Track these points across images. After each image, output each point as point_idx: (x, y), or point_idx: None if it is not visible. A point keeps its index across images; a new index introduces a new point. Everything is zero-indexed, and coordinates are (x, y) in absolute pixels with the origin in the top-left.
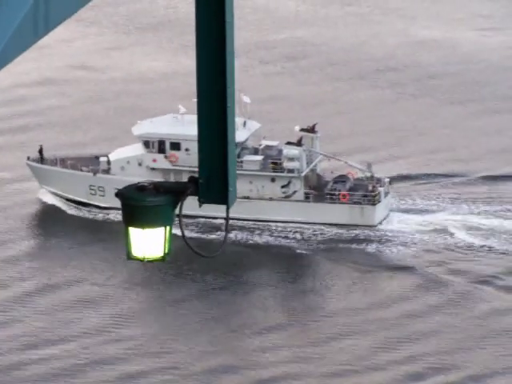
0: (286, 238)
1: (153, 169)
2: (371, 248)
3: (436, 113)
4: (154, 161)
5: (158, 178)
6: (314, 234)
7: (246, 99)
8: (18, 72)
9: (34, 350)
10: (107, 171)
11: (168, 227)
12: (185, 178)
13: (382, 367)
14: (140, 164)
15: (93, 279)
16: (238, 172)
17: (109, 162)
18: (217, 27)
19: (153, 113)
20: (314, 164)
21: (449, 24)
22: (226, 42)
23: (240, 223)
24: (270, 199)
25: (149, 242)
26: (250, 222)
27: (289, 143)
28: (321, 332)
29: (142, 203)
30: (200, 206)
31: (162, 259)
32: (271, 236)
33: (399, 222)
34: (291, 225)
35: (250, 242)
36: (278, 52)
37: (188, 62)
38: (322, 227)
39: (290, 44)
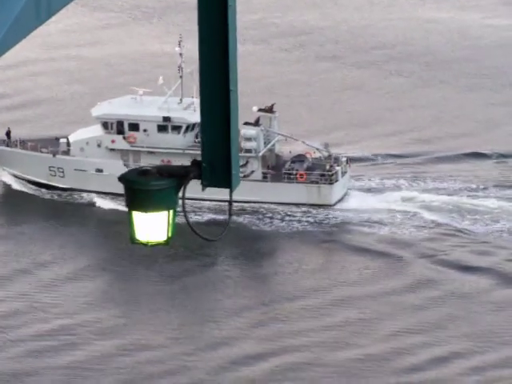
0: (244, 217)
1: (112, 149)
2: (328, 227)
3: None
4: (113, 142)
5: (116, 158)
6: (272, 214)
7: None
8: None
9: None
10: (67, 152)
11: (171, 211)
12: (143, 159)
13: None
14: (99, 145)
15: (60, 262)
16: (196, 152)
17: (68, 144)
18: (219, 11)
19: None
20: (271, 144)
21: (458, 7)
22: (229, 26)
23: (198, 203)
24: None
25: (152, 225)
26: (208, 203)
27: (246, 123)
28: (285, 312)
29: (145, 187)
30: (203, 189)
31: (166, 243)
32: (218, 213)
33: (357, 201)
34: (249, 204)
35: (209, 222)
36: (280, 32)
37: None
38: (280, 206)
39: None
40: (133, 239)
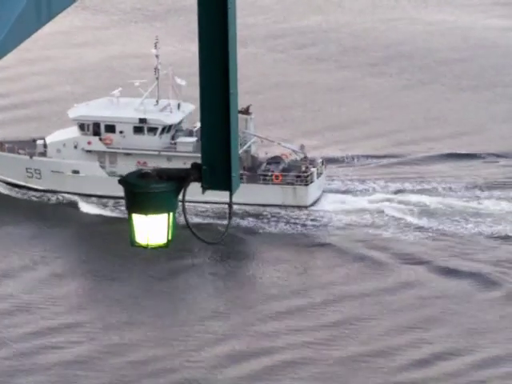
0: (219, 219)
1: (88, 151)
2: (304, 228)
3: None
4: (89, 143)
5: (93, 160)
6: (248, 215)
7: (181, 82)
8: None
9: None
10: (44, 154)
11: (171, 213)
12: (120, 161)
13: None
14: (76, 146)
15: (41, 264)
16: (171, 154)
17: (45, 145)
18: (218, 13)
19: None
20: (247, 145)
21: (460, 9)
22: (229, 28)
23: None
24: None
25: (152, 228)
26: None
27: None
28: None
29: (145, 190)
30: (203, 192)
31: (166, 246)
32: (206, 217)
33: (333, 202)
34: (225, 206)
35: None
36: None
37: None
38: (256, 208)
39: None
40: (133, 242)
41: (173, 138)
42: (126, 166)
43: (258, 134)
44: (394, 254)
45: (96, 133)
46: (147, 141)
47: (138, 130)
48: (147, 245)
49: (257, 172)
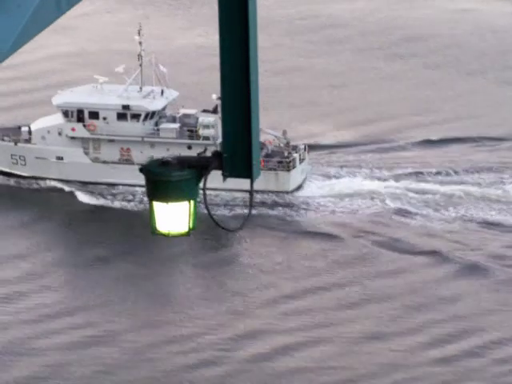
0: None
1: (72, 138)
2: (286, 214)
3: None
4: (73, 130)
5: (77, 146)
6: (231, 200)
7: (163, 69)
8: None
9: None
10: (28, 141)
11: (192, 201)
12: (103, 147)
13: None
14: (60, 133)
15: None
16: (155, 140)
17: (30, 132)
18: (239, 2)
19: None
20: None
21: None
22: (249, 17)
23: None
24: None
25: (173, 216)
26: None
27: (204, 111)
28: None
29: (167, 178)
30: (224, 180)
31: (187, 234)
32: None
33: (315, 188)
34: (208, 191)
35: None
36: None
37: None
38: (238, 194)
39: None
40: (154, 230)
41: (156, 124)
42: (110, 152)
43: None
44: (377, 240)
45: (80, 119)
46: (131, 127)
47: (121, 116)
48: (168, 233)
49: None
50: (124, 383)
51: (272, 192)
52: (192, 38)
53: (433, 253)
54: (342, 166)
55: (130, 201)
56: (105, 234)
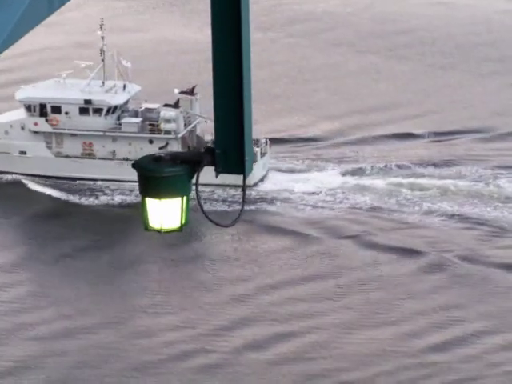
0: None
1: (35, 132)
2: (247, 208)
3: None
4: (36, 124)
5: (40, 141)
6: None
7: (127, 63)
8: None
9: None
10: None
11: (185, 197)
12: (66, 141)
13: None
14: (23, 128)
15: None
16: (117, 134)
17: None
18: None
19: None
20: (192, 125)
21: None
22: (241, 11)
23: (122, 185)
24: None
25: (166, 212)
26: (130, 184)
27: (166, 105)
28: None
29: (159, 174)
30: (217, 176)
31: (180, 230)
32: None
33: (276, 182)
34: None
35: (129, 203)
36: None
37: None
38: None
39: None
40: (146, 226)
41: (118, 118)
42: (72, 147)
43: (203, 114)
44: (336, 233)
45: (42, 114)
46: (93, 121)
47: (83, 110)
48: (161, 229)
49: None
50: (94, 376)
51: (232, 186)
52: (159, 33)
53: (395, 247)
54: (303, 160)
55: (91, 195)
56: (70, 229)
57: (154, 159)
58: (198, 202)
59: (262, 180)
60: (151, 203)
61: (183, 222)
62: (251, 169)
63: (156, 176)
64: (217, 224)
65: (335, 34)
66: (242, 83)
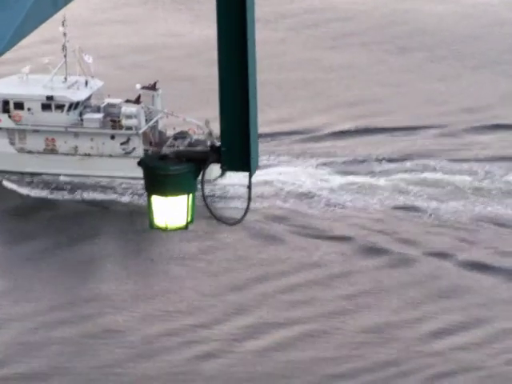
0: (125, 194)
1: None
2: (210, 203)
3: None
4: None
5: (3, 137)
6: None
7: (88, 59)
8: None
9: None
10: None
11: (191, 195)
12: (29, 137)
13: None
14: None
15: None
16: (78, 130)
17: None
18: None
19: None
20: (154, 121)
21: None
22: (247, 10)
23: (83, 180)
24: (110, 156)
25: (171, 210)
26: (92, 179)
27: (127, 101)
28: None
29: (165, 172)
30: (222, 174)
31: (185, 227)
32: (114, 193)
33: (237, 177)
34: (131, 181)
35: (93, 199)
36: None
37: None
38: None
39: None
40: (152, 224)
41: (81, 114)
42: (35, 143)
43: (164, 109)
44: (302, 229)
45: (5, 110)
46: (55, 117)
47: (45, 107)
48: (166, 227)
49: (162, 147)
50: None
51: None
52: (124, 32)
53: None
54: (270, 154)
55: (53, 189)
56: (37, 227)
57: (160, 157)
58: (204, 199)
59: (223, 175)
60: (157, 201)
61: (189, 219)
62: (256, 167)
63: (162, 174)
64: (222, 222)
65: (314, 30)
66: (247, 81)
